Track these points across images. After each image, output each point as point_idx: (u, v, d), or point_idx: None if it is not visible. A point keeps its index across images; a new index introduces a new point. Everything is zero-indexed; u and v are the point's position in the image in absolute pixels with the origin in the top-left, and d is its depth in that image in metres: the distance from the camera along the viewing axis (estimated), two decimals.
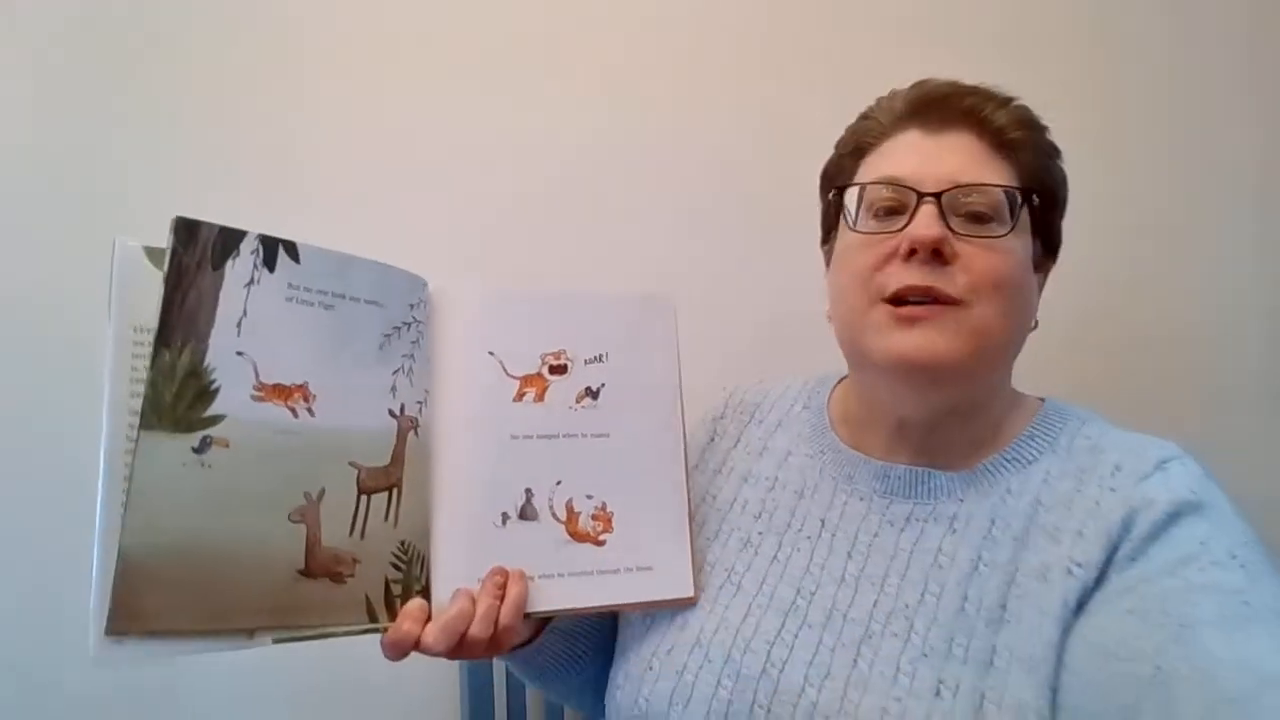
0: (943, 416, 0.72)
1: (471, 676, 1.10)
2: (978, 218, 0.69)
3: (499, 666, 1.11)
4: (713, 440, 0.87)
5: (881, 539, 0.71)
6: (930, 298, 0.67)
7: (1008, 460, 0.71)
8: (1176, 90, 1.29)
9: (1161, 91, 1.28)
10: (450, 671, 1.14)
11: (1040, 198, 0.71)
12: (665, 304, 0.77)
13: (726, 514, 0.80)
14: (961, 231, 0.68)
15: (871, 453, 0.76)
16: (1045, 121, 0.75)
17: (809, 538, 0.74)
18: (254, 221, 0.61)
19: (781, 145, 1.22)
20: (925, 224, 0.67)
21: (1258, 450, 1.23)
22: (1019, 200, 0.70)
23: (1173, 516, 0.61)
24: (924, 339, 0.68)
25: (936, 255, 0.67)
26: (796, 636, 0.68)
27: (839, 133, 0.80)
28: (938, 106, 0.72)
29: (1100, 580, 0.61)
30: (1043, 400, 0.76)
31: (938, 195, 0.68)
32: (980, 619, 0.64)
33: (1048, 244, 0.75)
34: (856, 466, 0.76)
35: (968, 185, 0.69)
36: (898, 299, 0.68)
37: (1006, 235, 0.69)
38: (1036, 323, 0.75)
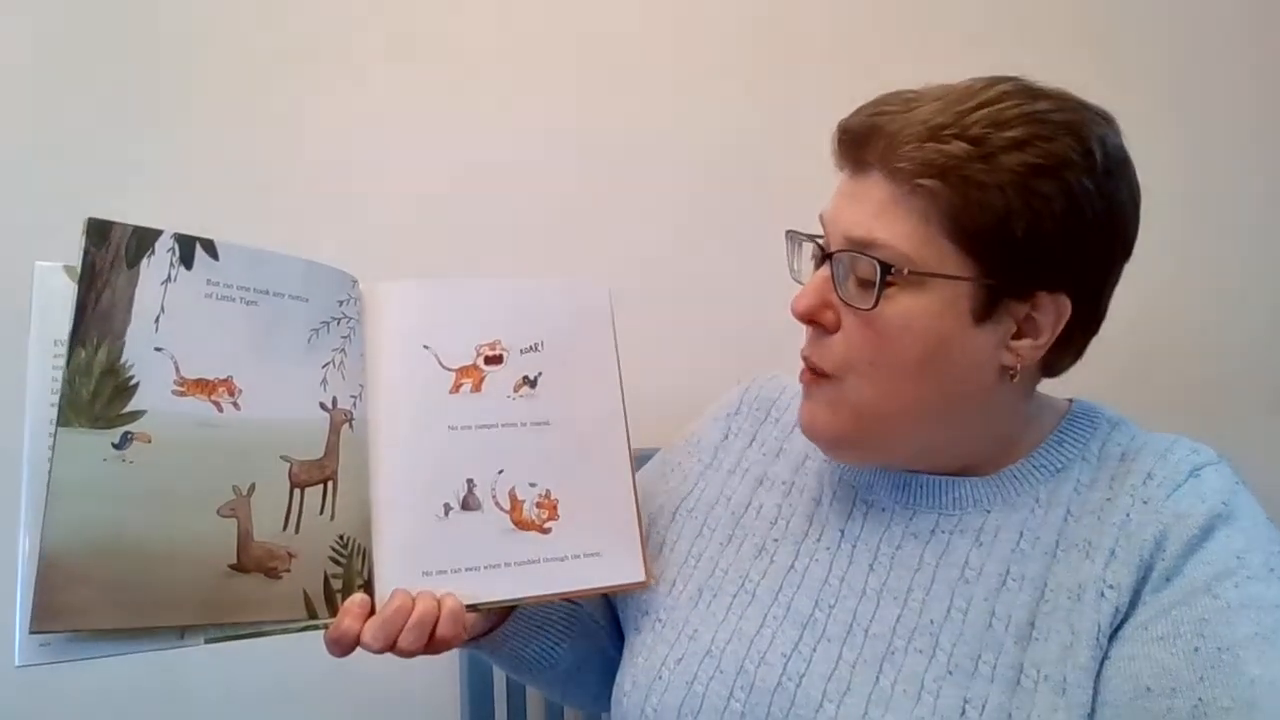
0: (910, 461, 0.70)
1: (471, 676, 1.11)
2: (864, 283, 0.63)
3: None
4: (726, 438, 0.84)
5: (905, 552, 0.69)
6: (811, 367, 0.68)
7: (1036, 467, 0.68)
8: (1176, 91, 1.29)
9: (1161, 93, 1.29)
10: (450, 671, 1.14)
11: (975, 242, 0.60)
12: (599, 290, 0.77)
13: (741, 518, 0.77)
14: (843, 299, 0.64)
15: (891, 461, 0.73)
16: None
17: (828, 548, 0.72)
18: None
19: (769, 143, 1.24)
20: (802, 292, 0.66)
21: (1258, 451, 1.21)
22: (880, 274, 0.61)
23: (1207, 530, 0.60)
24: (808, 411, 0.69)
25: (818, 323, 0.66)
26: (815, 650, 0.66)
27: (825, 130, 0.73)
28: (851, 145, 0.65)
29: (1134, 603, 0.60)
30: (1070, 401, 0.73)
31: (829, 256, 0.65)
32: (1009, 636, 0.62)
33: (1020, 281, 0.62)
34: (876, 475, 0.73)
35: (843, 249, 0.64)
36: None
37: (873, 309, 0.62)
38: (1014, 374, 0.65)
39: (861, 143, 0.64)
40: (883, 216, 0.62)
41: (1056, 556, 0.64)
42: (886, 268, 0.61)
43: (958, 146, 0.60)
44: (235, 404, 0.62)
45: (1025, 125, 0.60)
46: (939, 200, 0.60)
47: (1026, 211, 0.60)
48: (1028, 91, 0.62)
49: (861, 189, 0.64)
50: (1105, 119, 0.64)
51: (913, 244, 0.61)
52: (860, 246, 0.63)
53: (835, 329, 0.66)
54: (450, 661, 1.16)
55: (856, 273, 0.64)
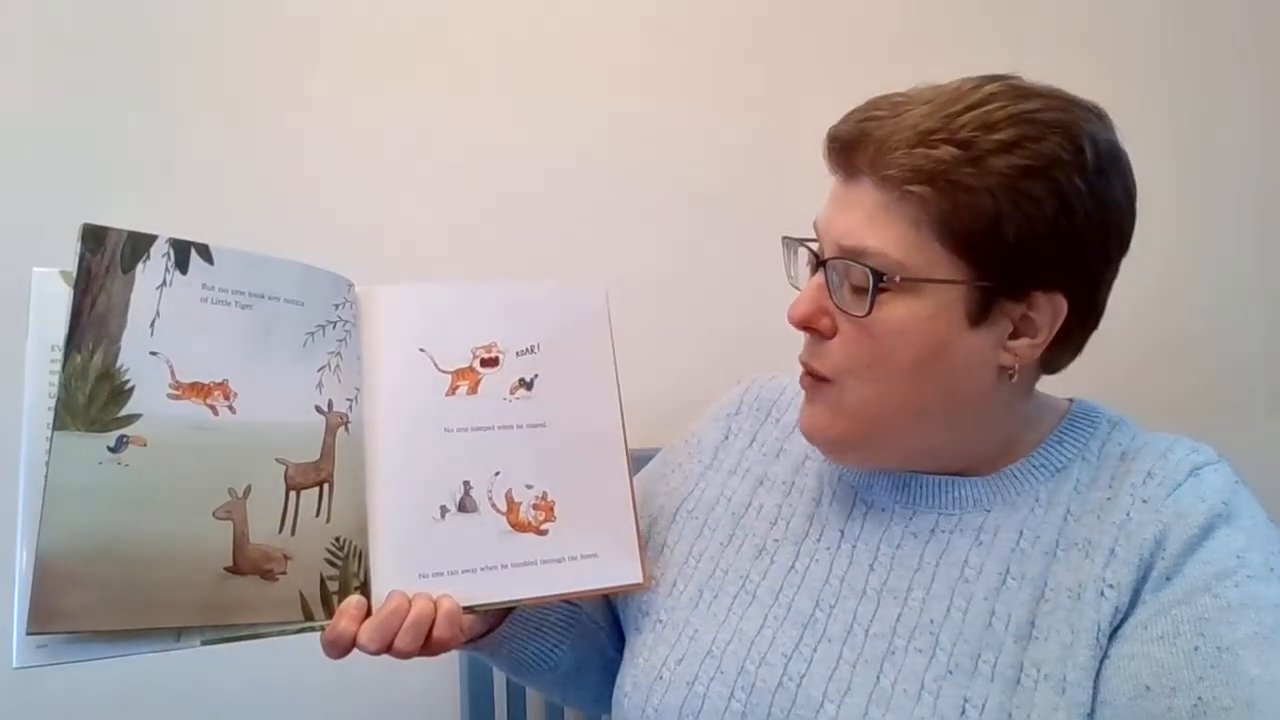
0: (910, 462, 0.70)
1: (471, 677, 1.11)
2: (858, 290, 0.63)
3: None
4: (727, 438, 0.84)
5: (904, 551, 0.69)
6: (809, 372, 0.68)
7: (1035, 466, 0.68)
8: (1176, 94, 1.29)
9: (1162, 96, 1.28)
10: (450, 672, 1.14)
11: (967, 246, 0.60)
12: (595, 292, 0.77)
13: (741, 518, 0.77)
14: (838, 305, 0.64)
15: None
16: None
17: (828, 548, 0.72)
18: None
19: (768, 142, 1.24)
20: (798, 299, 0.66)
21: (1258, 451, 1.21)
22: (873, 281, 0.61)
23: (1207, 530, 0.60)
24: (808, 415, 0.70)
25: (815, 329, 0.66)
26: (815, 650, 0.66)
27: (825, 130, 0.73)
28: (841, 151, 0.64)
29: (1134, 602, 0.60)
30: (1070, 401, 0.72)
31: (823, 263, 0.65)
32: (1009, 635, 0.62)
33: (1014, 282, 0.62)
34: (876, 475, 0.73)
35: (836, 257, 0.64)
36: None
37: (867, 316, 0.62)
38: (1012, 374, 0.65)
39: (851, 149, 0.63)
40: (874, 223, 0.62)
41: (1056, 556, 0.64)
42: (879, 275, 0.61)
43: (946, 151, 0.59)
44: (231, 407, 0.62)
45: (1013, 126, 0.60)
46: (929, 206, 0.60)
47: (1017, 213, 0.59)
48: (1016, 91, 0.62)
49: (852, 196, 0.64)
50: (1097, 115, 0.64)
51: (904, 250, 0.61)
52: (852, 254, 0.63)
53: (832, 334, 0.66)
54: (450, 662, 1.16)
55: (850, 280, 0.64)
